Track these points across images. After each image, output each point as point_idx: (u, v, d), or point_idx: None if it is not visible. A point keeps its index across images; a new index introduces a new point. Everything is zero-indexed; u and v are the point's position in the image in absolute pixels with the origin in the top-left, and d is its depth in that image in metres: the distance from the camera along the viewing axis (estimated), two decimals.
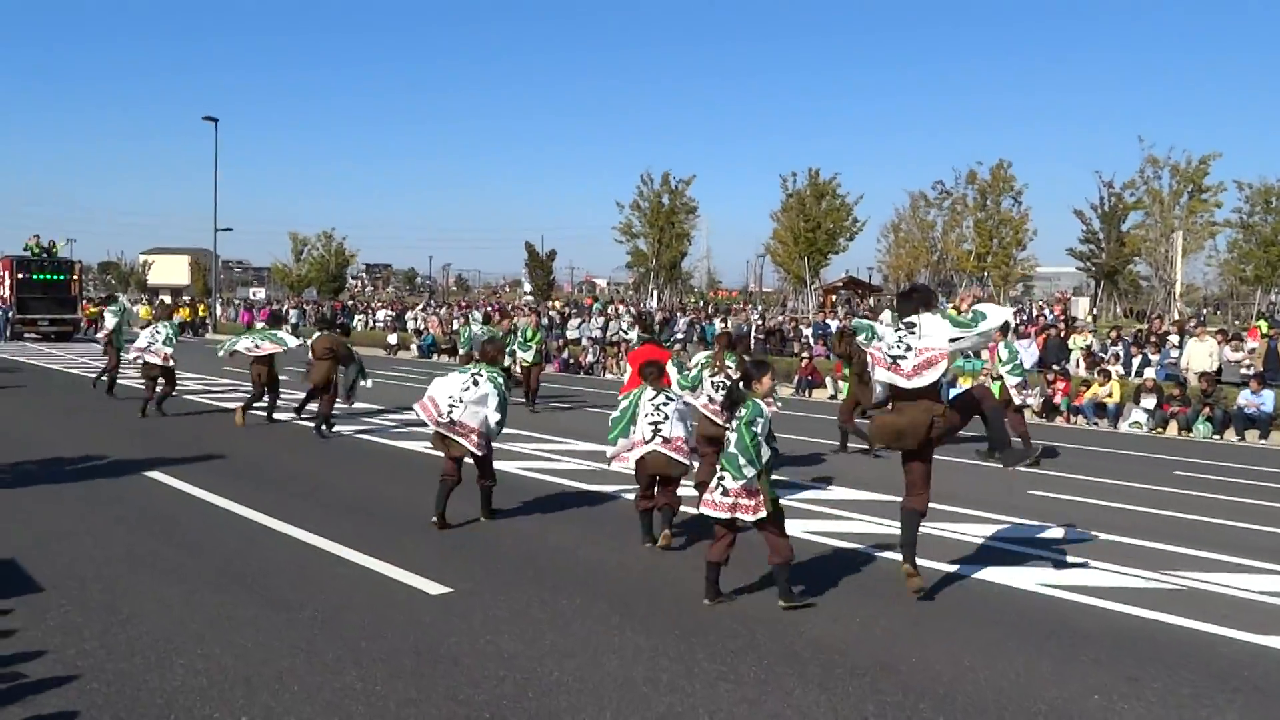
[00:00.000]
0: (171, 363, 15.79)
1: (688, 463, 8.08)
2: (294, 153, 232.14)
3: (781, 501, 9.22)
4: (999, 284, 48.10)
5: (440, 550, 7.53)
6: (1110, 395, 18.97)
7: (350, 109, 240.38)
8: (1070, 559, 7.89)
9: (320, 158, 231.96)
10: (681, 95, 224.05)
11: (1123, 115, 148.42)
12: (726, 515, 6.35)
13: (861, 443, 12.82)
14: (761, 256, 65.88)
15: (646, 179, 52.45)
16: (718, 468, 6.40)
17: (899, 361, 6.65)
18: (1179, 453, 15.33)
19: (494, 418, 8.53)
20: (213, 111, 75.59)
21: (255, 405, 15.04)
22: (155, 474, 10.31)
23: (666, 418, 7.99)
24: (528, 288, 73.01)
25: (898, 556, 7.56)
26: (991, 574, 7.33)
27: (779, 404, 8.28)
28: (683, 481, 8.23)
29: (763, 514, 6.31)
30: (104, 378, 18.79)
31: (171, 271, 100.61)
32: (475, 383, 8.52)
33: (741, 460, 6.25)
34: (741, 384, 6.57)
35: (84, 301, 42.42)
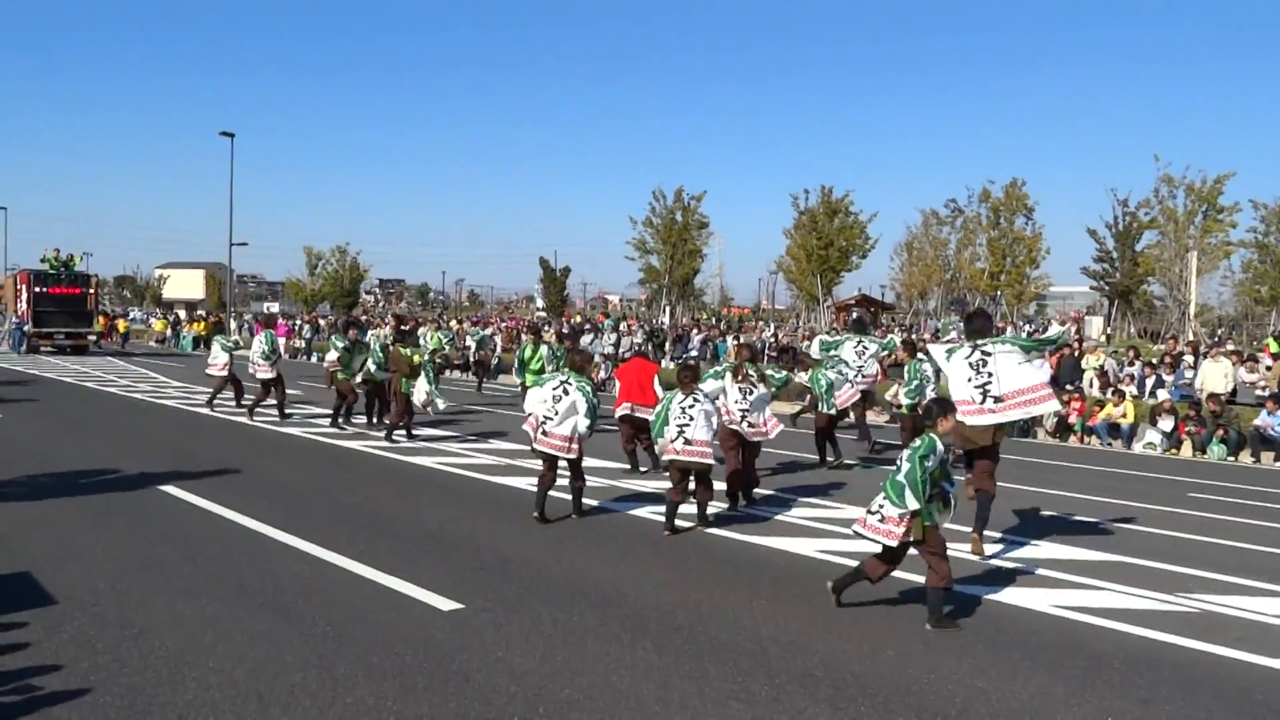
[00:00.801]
0: (274, 373, 17.41)
1: (709, 461, 9.14)
2: (310, 167, 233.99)
3: (793, 520, 9.24)
4: (1012, 302, 48.04)
5: (452, 567, 7.54)
6: (1124, 416, 18.87)
7: (365, 124, 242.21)
8: (1084, 580, 7.85)
9: (336, 172, 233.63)
10: (695, 111, 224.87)
11: (1138, 133, 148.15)
12: (879, 539, 6.57)
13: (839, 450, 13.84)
14: (774, 273, 65.99)
15: (659, 195, 52.66)
16: (881, 489, 6.61)
17: (987, 389, 8.60)
18: (1193, 474, 15.24)
19: (584, 424, 9.25)
20: (229, 124, 76.50)
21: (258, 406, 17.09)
22: (170, 488, 10.36)
23: (691, 420, 9.05)
24: (540, 303, 73.19)
25: (911, 577, 7.56)
26: (1005, 595, 7.30)
27: (956, 450, 9.06)
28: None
29: (908, 540, 6.53)
30: (242, 401, 18.80)
31: (187, 286, 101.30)
32: (565, 391, 9.25)
33: (907, 491, 6.43)
34: (925, 417, 6.84)
35: (100, 315, 42.70)
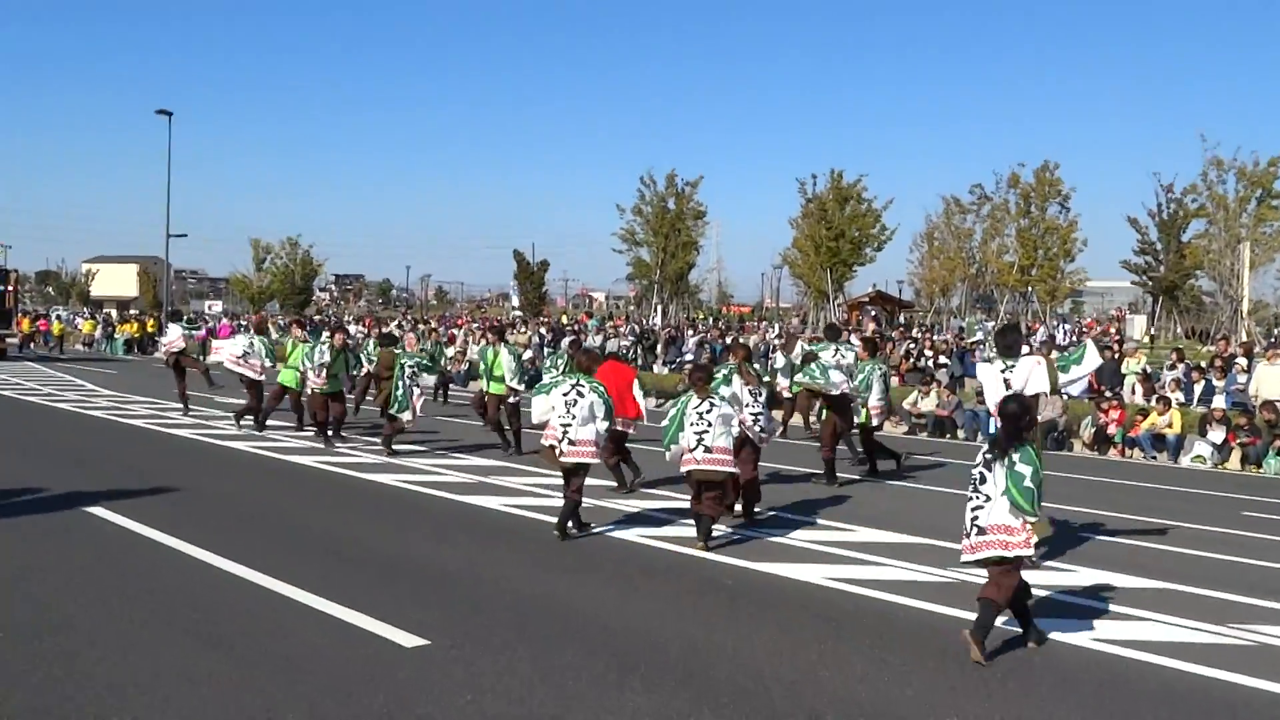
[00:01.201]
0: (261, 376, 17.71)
1: (731, 470, 9.51)
2: (257, 151, 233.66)
3: (800, 544, 9.27)
4: (1044, 299, 48.18)
5: (417, 598, 7.51)
6: (1170, 426, 18.94)
7: (319, 104, 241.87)
8: (1125, 610, 7.86)
9: (286, 157, 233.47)
10: (688, 88, 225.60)
11: (1183, 112, 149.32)
12: (999, 553, 6.62)
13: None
14: (778, 268, 66.18)
15: (648, 181, 52.58)
16: (990, 500, 6.67)
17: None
18: (1247, 490, 15.31)
19: (602, 427, 9.78)
20: (166, 104, 76.03)
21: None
22: (99, 510, 10.30)
23: (710, 425, 9.37)
24: (516, 301, 73.22)
25: (929, 606, 7.56)
26: (1039, 627, 7.29)
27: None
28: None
29: (1028, 551, 6.67)
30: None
31: (118, 282, 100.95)
32: (580, 394, 9.71)
33: (1036, 495, 6.57)
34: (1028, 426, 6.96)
35: (19, 315, 42.52)
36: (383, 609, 7.12)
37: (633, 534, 9.96)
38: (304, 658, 6.12)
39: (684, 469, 9.53)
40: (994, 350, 11.09)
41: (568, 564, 8.77)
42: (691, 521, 10.14)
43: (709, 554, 9.20)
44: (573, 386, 9.80)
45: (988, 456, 6.77)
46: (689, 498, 10.31)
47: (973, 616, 7.39)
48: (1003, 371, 9.65)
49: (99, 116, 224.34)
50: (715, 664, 6.27)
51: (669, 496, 11.91)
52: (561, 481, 12.71)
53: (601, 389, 9.90)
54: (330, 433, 15.78)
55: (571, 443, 9.61)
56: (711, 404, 9.54)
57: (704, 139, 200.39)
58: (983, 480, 6.76)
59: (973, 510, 6.75)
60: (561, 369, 14.07)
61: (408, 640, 6.50)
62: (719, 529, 10.01)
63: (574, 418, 9.62)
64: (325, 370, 15.59)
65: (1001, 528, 6.61)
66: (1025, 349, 10.91)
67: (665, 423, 9.74)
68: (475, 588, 7.87)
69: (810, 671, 6.22)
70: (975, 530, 6.72)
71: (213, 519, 10.16)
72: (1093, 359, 10.06)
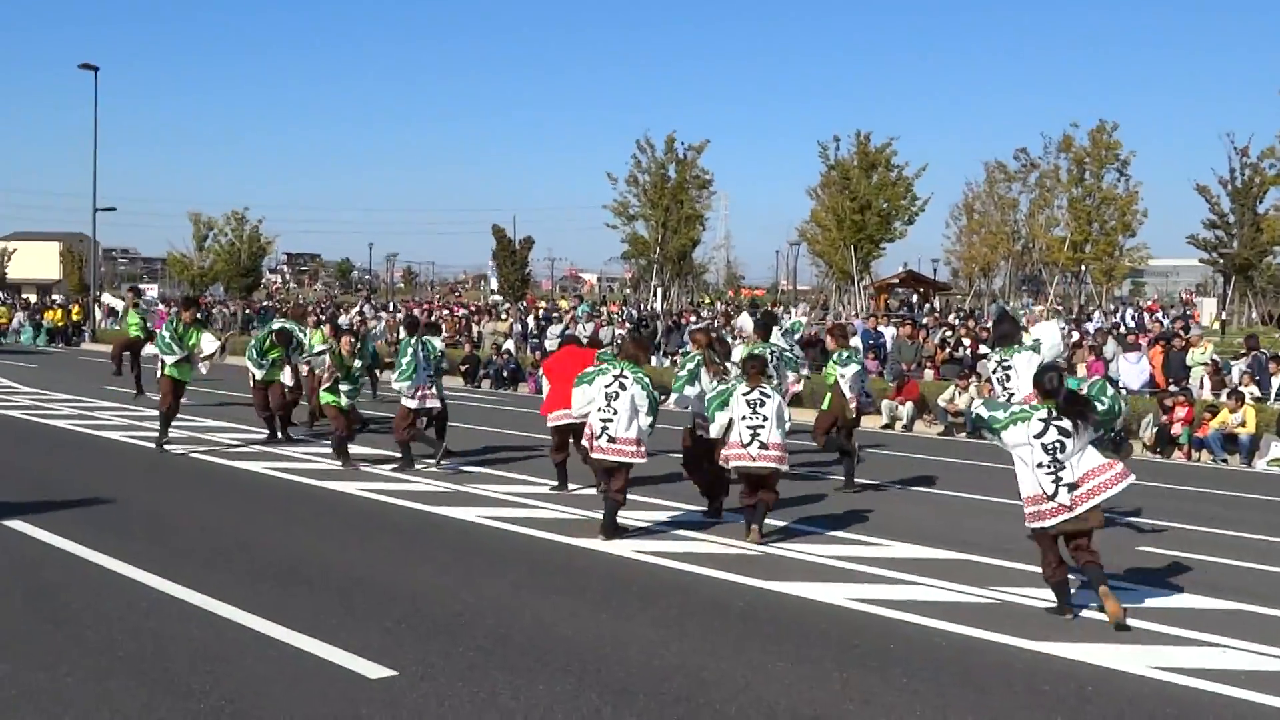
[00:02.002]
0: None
1: (785, 467, 10.19)
2: (195, 115, 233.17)
3: (818, 560, 9.35)
4: (1100, 280, 48.24)
5: (383, 623, 7.55)
6: (1243, 425, 18.98)
7: (268, 61, 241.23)
8: (1191, 635, 7.90)
9: (229, 122, 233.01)
10: (689, 42, 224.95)
11: (1259, 63, 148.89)
12: (1107, 495, 8.04)
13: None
14: (795, 245, 66.18)
15: (645, 145, 52.53)
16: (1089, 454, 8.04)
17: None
18: None
19: (645, 421, 10.22)
20: (92, 56, 75.72)
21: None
22: (16, 523, 10.32)
23: (765, 420, 10.03)
24: (495, 284, 73.25)
25: (968, 630, 7.61)
26: (1092, 653, 7.34)
27: None
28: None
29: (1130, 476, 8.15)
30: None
31: (38, 263, 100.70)
32: (622, 386, 10.18)
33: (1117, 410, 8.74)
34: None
35: None
36: (344, 636, 7.15)
37: (628, 549, 10.00)
38: (255, 691, 6.15)
39: (735, 464, 10.19)
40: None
41: (554, 583, 8.81)
42: (694, 535, 10.25)
43: (718, 572, 9.23)
44: (615, 378, 10.25)
45: (1062, 427, 8.00)
46: (705, 505, 11.15)
47: (1019, 642, 7.45)
48: (997, 369, 10.29)
49: (15, 74, 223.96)
50: (724, 697, 6.31)
51: (668, 506, 11.95)
52: (548, 489, 12.82)
53: (646, 381, 10.35)
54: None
55: (611, 440, 10.09)
56: (765, 396, 10.15)
57: (708, 97, 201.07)
58: (1062, 449, 7.96)
59: (1054, 474, 7.96)
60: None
61: (373, 671, 6.53)
62: (719, 542, 10.06)
63: (615, 412, 10.09)
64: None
65: (1099, 469, 7.99)
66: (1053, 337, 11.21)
67: (711, 395, 10.58)
68: (449, 612, 7.90)
69: (833, 705, 6.25)
70: (1066, 489, 7.91)
71: (150, 534, 10.19)
72: (1050, 335, 11.12)
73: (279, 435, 16.42)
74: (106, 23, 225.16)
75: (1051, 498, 7.96)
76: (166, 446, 15.31)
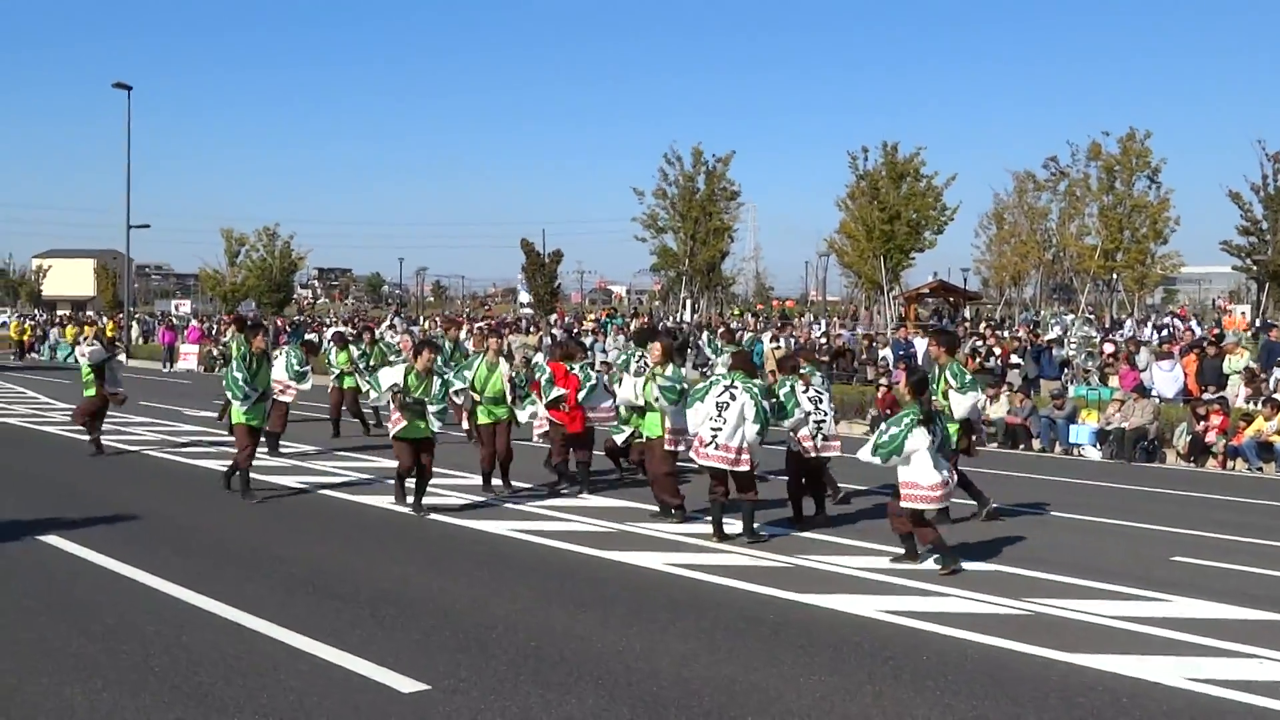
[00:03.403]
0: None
1: (742, 468, 10.68)
2: (227, 133, 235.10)
3: (849, 571, 9.34)
4: (1133, 288, 47.88)
5: (415, 636, 7.57)
6: (1278, 432, 18.82)
7: (297, 78, 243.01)
8: (1227, 645, 7.83)
9: (260, 139, 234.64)
10: (716, 55, 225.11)
11: None
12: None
13: None
14: (824, 256, 66.08)
15: (673, 157, 52.52)
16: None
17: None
18: None
19: (752, 430, 10.54)
20: (125, 76, 76.72)
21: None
22: (54, 539, 10.42)
23: (826, 415, 11.70)
24: (525, 298, 73.42)
25: (1001, 642, 7.57)
26: (1125, 665, 7.28)
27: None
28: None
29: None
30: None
31: (73, 280, 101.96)
32: (731, 396, 10.54)
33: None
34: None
35: None
36: (377, 650, 7.18)
37: (659, 562, 9.98)
38: (288, 705, 6.18)
39: (803, 448, 11.71)
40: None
41: (585, 596, 8.81)
42: (723, 548, 10.27)
43: (749, 584, 9.20)
44: (726, 388, 10.63)
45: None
46: (711, 523, 11.07)
47: (1053, 654, 7.41)
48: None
49: (52, 96, 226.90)
50: (756, 710, 6.29)
51: (698, 519, 11.92)
52: (566, 506, 12.82)
53: (755, 391, 10.66)
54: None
55: (717, 447, 10.57)
56: (820, 392, 11.80)
57: (735, 109, 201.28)
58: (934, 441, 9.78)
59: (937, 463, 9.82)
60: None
61: (405, 685, 6.54)
62: (749, 554, 10.04)
63: (724, 421, 10.52)
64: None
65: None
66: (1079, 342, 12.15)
67: (772, 402, 11.05)
68: (480, 624, 7.91)
69: (865, 719, 6.23)
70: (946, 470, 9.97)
71: (182, 548, 10.25)
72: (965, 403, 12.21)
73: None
74: (139, 40, 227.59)
75: (946, 484, 9.94)
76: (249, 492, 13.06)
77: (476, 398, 13.31)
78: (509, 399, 13.52)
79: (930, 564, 9.96)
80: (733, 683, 6.75)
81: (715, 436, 10.55)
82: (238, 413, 12.93)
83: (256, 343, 13.42)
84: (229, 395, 13.18)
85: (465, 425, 14.17)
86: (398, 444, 12.14)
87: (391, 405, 12.13)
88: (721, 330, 26.34)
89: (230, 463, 13.51)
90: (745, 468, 10.64)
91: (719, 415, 10.54)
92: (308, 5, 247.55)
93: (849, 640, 7.74)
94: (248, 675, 6.69)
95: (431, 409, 12.08)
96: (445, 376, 12.93)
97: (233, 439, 13.79)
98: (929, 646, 7.63)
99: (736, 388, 10.63)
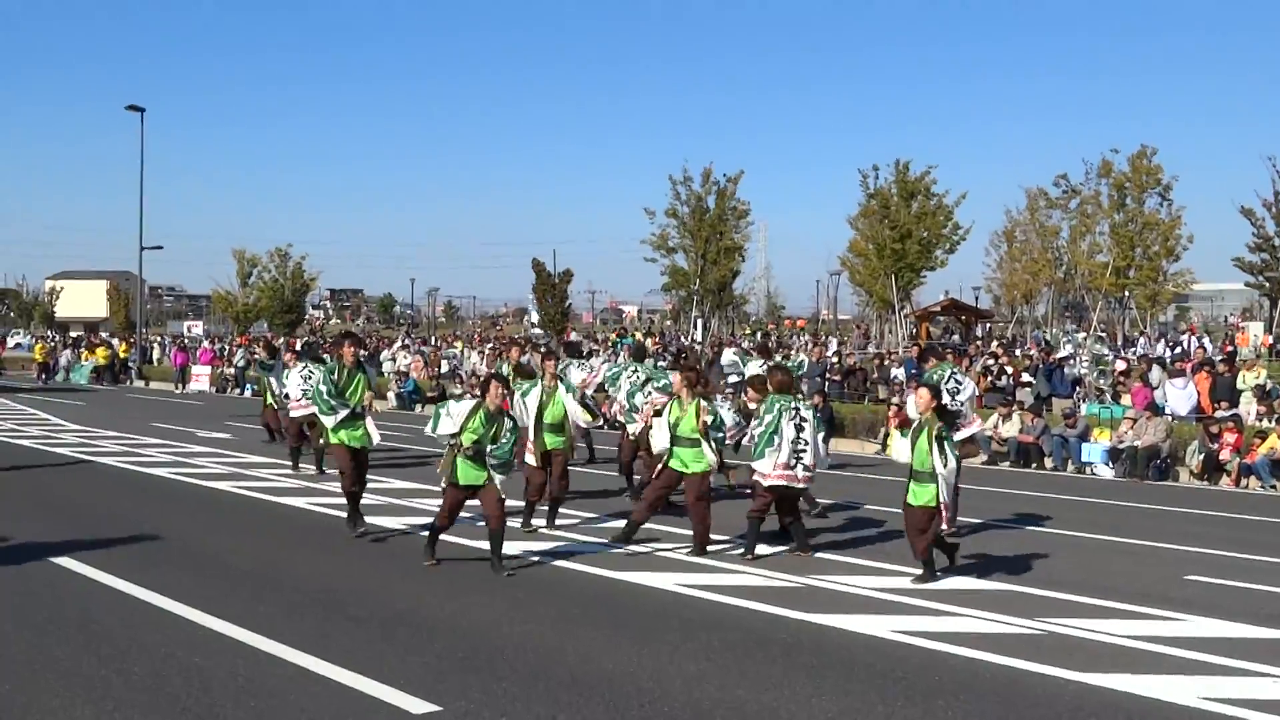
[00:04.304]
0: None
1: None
2: (239, 154, 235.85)
3: (860, 591, 9.31)
4: (1144, 305, 47.83)
5: (427, 657, 7.57)
6: None
7: (308, 100, 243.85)
8: (1242, 665, 7.80)
9: (271, 160, 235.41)
10: (726, 75, 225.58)
11: None
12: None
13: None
14: (835, 275, 66.08)
15: (683, 177, 52.62)
16: None
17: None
18: None
19: (823, 449, 11.47)
20: (138, 98, 77.31)
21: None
22: (66, 560, 10.44)
23: (808, 444, 11.05)
24: (535, 317, 73.53)
25: (1015, 662, 7.55)
26: (1138, 684, 7.26)
27: None
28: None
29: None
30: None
31: (85, 301, 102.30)
32: (804, 417, 11.09)
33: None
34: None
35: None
36: (389, 671, 7.18)
37: (670, 582, 9.98)
38: None
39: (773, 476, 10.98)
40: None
41: (596, 617, 8.81)
42: (734, 568, 10.30)
43: (760, 605, 9.19)
44: (795, 412, 11.07)
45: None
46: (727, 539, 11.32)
47: (1065, 674, 7.39)
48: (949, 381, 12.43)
49: (65, 118, 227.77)
50: None
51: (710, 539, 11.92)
52: (575, 523, 12.81)
53: (814, 411, 11.66)
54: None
55: (804, 468, 11.01)
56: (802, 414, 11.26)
57: (745, 128, 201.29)
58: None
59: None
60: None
61: (417, 706, 6.54)
62: (760, 574, 10.02)
63: (807, 443, 10.97)
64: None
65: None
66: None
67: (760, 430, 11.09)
68: (492, 646, 7.91)
69: None
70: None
71: (194, 569, 10.27)
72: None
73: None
74: (152, 61, 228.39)
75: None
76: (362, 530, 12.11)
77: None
78: (578, 420, 13.20)
79: (943, 584, 9.95)
80: (744, 704, 6.74)
81: (801, 458, 10.92)
82: (331, 433, 12.03)
83: (347, 354, 12.20)
84: (315, 410, 12.55)
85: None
86: (451, 491, 10.41)
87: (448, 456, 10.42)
88: (753, 345, 25.95)
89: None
90: (809, 485, 11.47)
91: (798, 436, 10.93)
92: (320, 25, 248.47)
93: (860, 660, 7.73)
94: (259, 696, 6.69)
95: (493, 457, 10.26)
96: (518, 417, 11.59)
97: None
98: (941, 666, 7.61)
99: (799, 405, 11.26)
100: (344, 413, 11.78)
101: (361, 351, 13.20)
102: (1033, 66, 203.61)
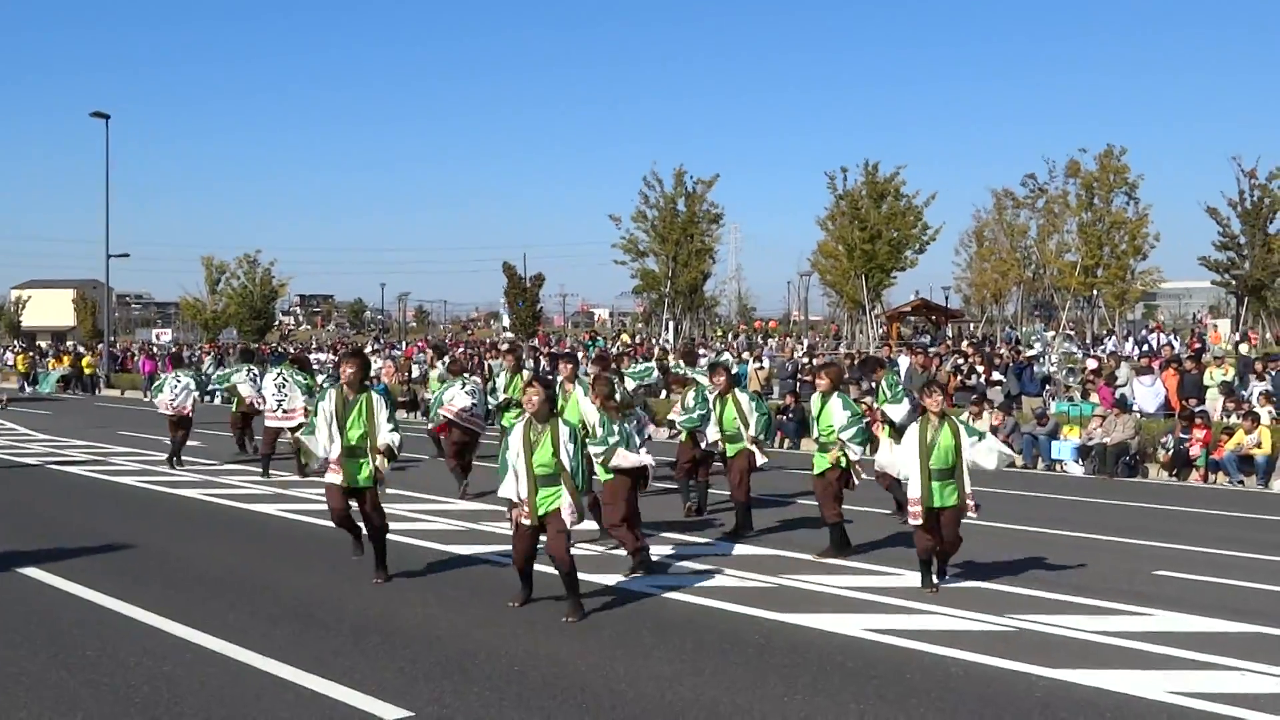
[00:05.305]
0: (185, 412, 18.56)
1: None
2: (206, 161, 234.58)
3: (834, 591, 9.32)
4: (1113, 304, 48.10)
5: (399, 663, 7.55)
6: (1259, 445, 18.91)
7: (278, 107, 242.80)
8: (1210, 659, 7.86)
9: (239, 166, 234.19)
10: (696, 77, 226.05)
11: (1265, 84, 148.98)
12: None
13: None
14: (806, 276, 66.21)
15: (653, 180, 52.54)
16: None
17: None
18: None
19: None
20: (103, 105, 76.85)
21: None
22: (33, 571, 10.36)
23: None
24: (507, 321, 73.40)
25: (987, 659, 7.59)
26: (1108, 679, 7.31)
27: None
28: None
29: None
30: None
31: (52, 310, 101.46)
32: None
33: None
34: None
35: None
36: (359, 677, 7.16)
37: (643, 584, 9.98)
38: None
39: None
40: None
41: (568, 621, 8.79)
42: (709, 569, 10.25)
43: (734, 605, 9.20)
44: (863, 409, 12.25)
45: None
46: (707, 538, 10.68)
47: (1037, 670, 7.43)
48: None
49: (30, 126, 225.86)
50: None
51: (680, 541, 11.94)
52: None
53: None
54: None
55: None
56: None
57: (716, 131, 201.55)
58: None
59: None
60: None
61: (388, 712, 6.53)
62: (734, 575, 10.03)
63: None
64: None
65: None
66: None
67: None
68: (464, 651, 7.90)
69: None
70: None
71: (164, 579, 10.20)
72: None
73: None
74: (117, 69, 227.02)
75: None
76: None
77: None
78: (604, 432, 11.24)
79: (914, 583, 10.00)
80: (717, 704, 6.75)
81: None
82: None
83: (345, 374, 10.01)
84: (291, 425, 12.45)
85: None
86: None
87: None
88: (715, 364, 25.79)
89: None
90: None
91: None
92: (286, 33, 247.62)
93: (834, 660, 7.75)
94: (231, 705, 6.66)
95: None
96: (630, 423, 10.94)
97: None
98: (913, 665, 7.64)
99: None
100: (336, 451, 9.76)
101: (370, 377, 10.89)
102: (1001, 68, 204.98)
